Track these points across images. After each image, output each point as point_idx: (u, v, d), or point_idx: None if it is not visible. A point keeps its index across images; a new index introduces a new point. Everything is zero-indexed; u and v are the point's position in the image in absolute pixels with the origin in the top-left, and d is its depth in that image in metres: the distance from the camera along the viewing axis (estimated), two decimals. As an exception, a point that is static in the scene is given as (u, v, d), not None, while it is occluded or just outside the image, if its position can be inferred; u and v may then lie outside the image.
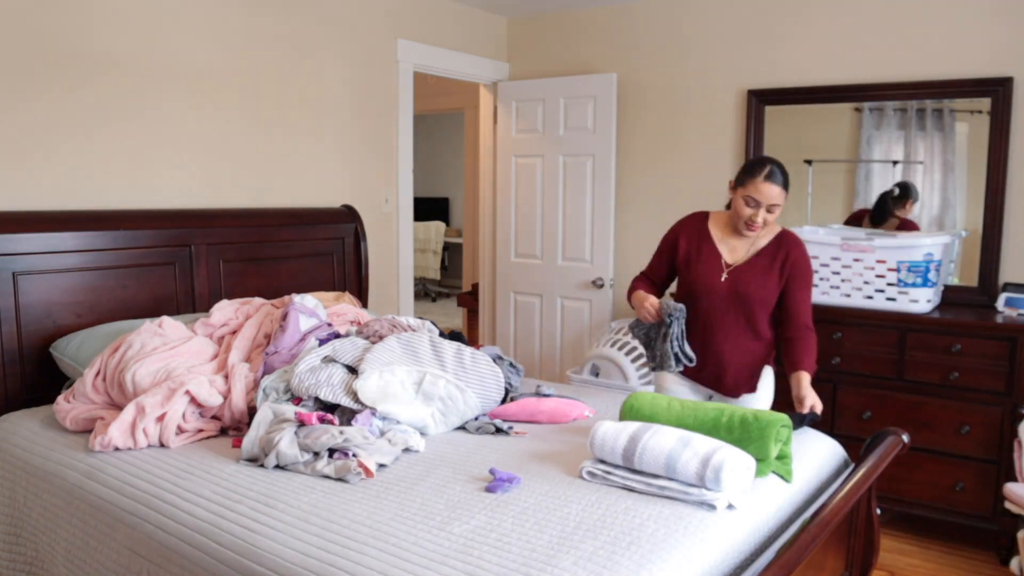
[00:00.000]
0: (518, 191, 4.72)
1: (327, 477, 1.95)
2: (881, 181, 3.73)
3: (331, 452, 2.01)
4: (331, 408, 2.31)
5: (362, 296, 3.76)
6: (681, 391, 2.68)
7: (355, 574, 1.52)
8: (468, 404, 2.37)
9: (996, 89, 3.38)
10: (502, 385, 2.52)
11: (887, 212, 3.69)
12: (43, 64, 2.68)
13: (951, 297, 3.51)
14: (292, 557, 1.60)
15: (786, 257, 2.50)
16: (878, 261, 3.29)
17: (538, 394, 2.63)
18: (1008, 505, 2.72)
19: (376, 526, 1.68)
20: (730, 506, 1.79)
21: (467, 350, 2.54)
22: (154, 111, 3.01)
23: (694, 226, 2.66)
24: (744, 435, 1.95)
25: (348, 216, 3.70)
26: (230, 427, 2.36)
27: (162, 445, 2.20)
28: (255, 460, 2.07)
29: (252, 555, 1.64)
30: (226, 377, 2.42)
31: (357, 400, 2.26)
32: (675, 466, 1.80)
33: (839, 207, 3.87)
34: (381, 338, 2.58)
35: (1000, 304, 3.30)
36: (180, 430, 2.24)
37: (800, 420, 2.29)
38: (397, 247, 4.18)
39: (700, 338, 2.59)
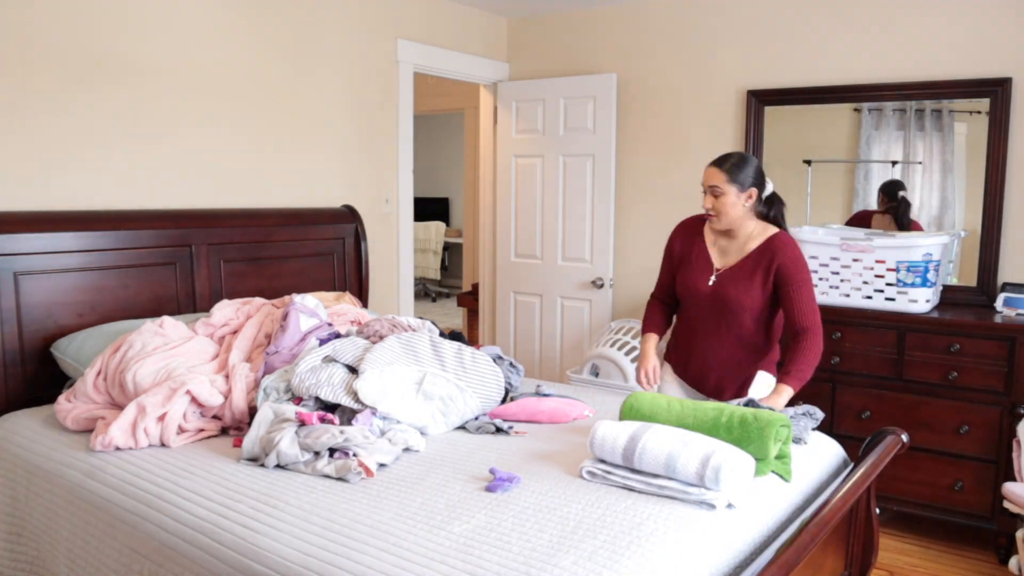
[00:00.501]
0: (518, 191, 4.72)
1: (328, 476, 1.96)
2: (880, 181, 3.74)
3: (331, 452, 2.01)
4: (331, 408, 2.31)
5: (362, 296, 3.76)
6: (671, 390, 2.70)
7: (355, 573, 1.53)
8: (468, 404, 2.38)
9: (995, 89, 3.39)
10: (502, 385, 2.53)
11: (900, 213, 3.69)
12: (43, 67, 2.68)
13: (950, 297, 3.51)
14: (293, 556, 1.61)
15: (771, 260, 2.46)
16: (877, 261, 3.29)
17: (538, 394, 2.64)
18: (1007, 505, 2.72)
19: (376, 525, 1.69)
20: (730, 505, 1.79)
21: (467, 350, 2.55)
22: (155, 111, 3.02)
23: (689, 228, 2.68)
24: (744, 435, 1.95)
25: (348, 216, 3.71)
26: (231, 427, 2.36)
27: (163, 445, 2.20)
28: (256, 460, 2.08)
29: (253, 554, 1.65)
30: (227, 377, 2.43)
31: (357, 400, 2.26)
32: (675, 466, 1.80)
33: (838, 207, 3.88)
34: (381, 338, 2.58)
35: (999, 304, 3.30)
36: (181, 430, 2.25)
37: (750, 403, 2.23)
38: (397, 247, 4.19)
39: (686, 338, 2.62)
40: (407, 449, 2.14)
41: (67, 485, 2.08)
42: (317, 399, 2.32)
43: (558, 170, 4.55)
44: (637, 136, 4.39)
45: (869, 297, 3.34)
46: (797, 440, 2.23)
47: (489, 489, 1.86)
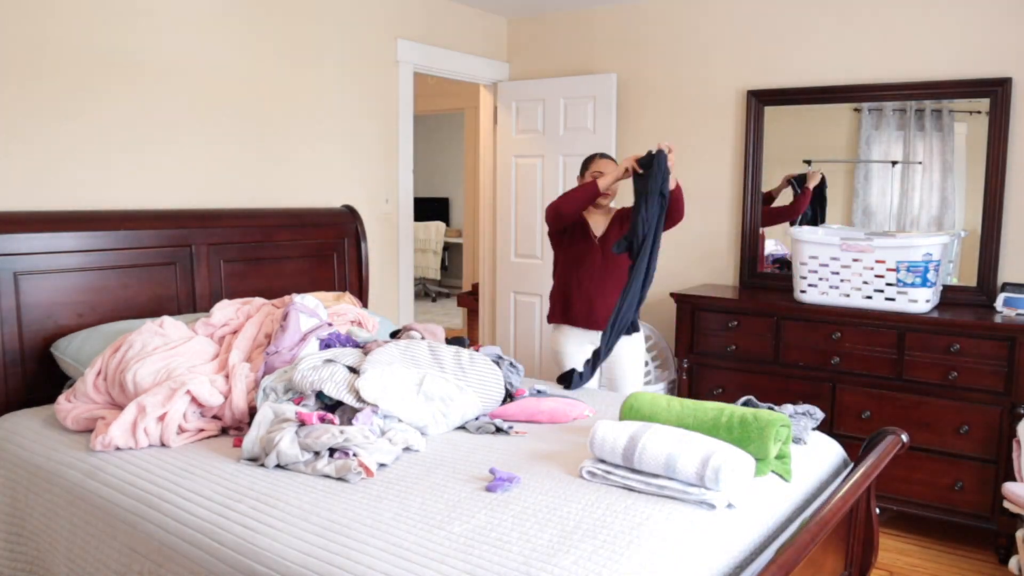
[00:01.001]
0: (518, 191, 4.72)
1: (328, 476, 1.96)
2: (880, 181, 3.74)
3: (331, 451, 2.01)
4: (332, 408, 2.31)
5: (362, 296, 3.76)
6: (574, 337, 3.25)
7: (355, 573, 1.53)
8: (468, 404, 2.38)
9: (995, 90, 3.39)
10: (502, 385, 2.53)
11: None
12: (44, 66, 2.69)
13: (950, 297, 3.51)
14: (293, 556, 1.61)
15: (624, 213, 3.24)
16: (877, 261, 3.29)
17: (538, 394, 2.64)
18: (1007, 505, 2.72)
19: (376, 525, 1.69)
20: (729, 505, 1.79)
21: (465, 352, 2.55)
22: (155, 112, 3.02)
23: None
24: (744, 435, 1.96)
25: (348, 216, 3.71)
26: (231, 427, 2.36)
27: (163, 445, 2.20)
28: (256, 460, 2.08)
29: (253, 554, 1.65)
30: (227, 377, 2.43)
31: (359, 398, 2.26)
32: (675, 465, 1.80)
33: (838, 207, 3.88)
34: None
35: (999, 304, 3.31)
36: (181, 430, 2.25)
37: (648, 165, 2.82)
38: (397, 247, 4.19)
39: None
40: (407, 449, 2.15)
41: (67, 485, 2.08)
42: (317, 399, 2.32)
43: (558, 170, 4.55)
44: (637, 136, 4.39)
45: (869, 297, 3.34)
46: (797, 440, 2.24)
47: (489, 489, 1.86)
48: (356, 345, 2.67)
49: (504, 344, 4.85)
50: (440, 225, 10.17)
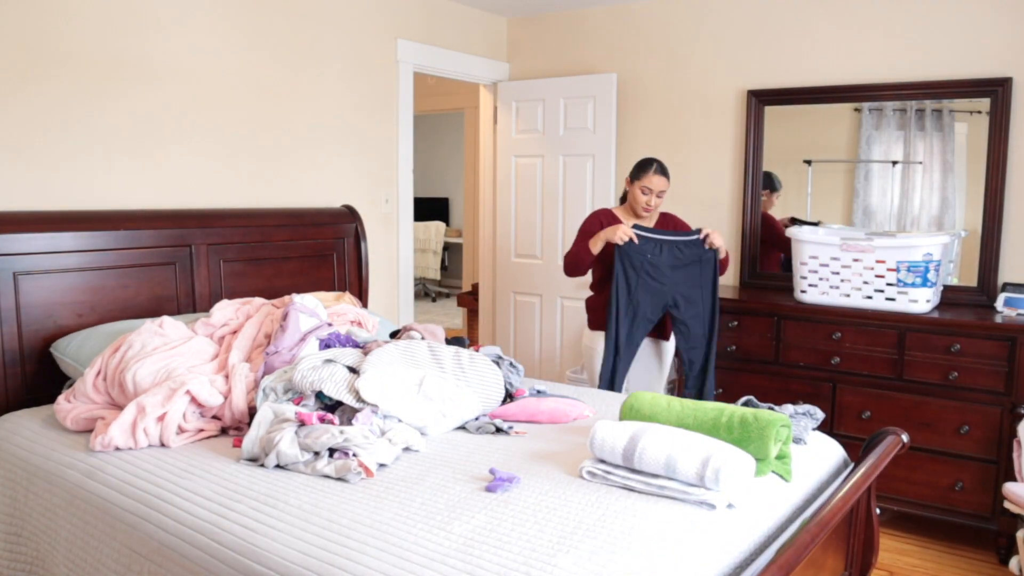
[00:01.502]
0: (518, 191, 4.72)
1: (327, 477, 1.96)
2: (880, 181, 3.74)
3: (331, 452, 2.01)
4: (331, 408, 2.31)
5: (362, 296, 3.76)
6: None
7: (355, 573, 1.53)
8: (468, 404, 2.38)
9: (995, 89, 3.39)
10: (502, 385, 2.53)
11: None
12: (44, 65, 2.68)
13: (950, 297, 3.51)
14: (292, 556, 1.61)
15: (675, 225, 3.34)
16: (877, 261, 3.29)
17: (538, 394, 2.64)
18: (1007, 505, 2.72)
19: (376, 526, 1.69)
20: (730, 506, 1.79)
21: (464, 352, 2.55)
22: (155, 113, 3.02)
23: (608, 217, 3.28)
24: (744, 435, 1.95)
25: (348, 216, 3.71)
26: (230, 427, 2.36)
27: (163, 445, 2.20)
28: (255, 460, 2.08)
29: (252, 554, 1.65)
30: (226, 377, 2.42)
31: (359, 398, 2.26)
32: (675, 466, 1.80)
33: (838, 207, 3.88)
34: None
35: (999, 304, 3.30)
36: (180, 430, 2.25)
37: None
38: (397, 247, 4.18)
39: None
40: (407, 449, 2.14)
41: (67, 485, 2.08)
42: (317, 399, 2.32)
43: (558, 170, 4.55)
44: (637, 136, 4.39)
45: (869, 297, 3.34)
46: (797, 440, 2.24)
47: (489, 489, 1.86)
48: (356, 345, 2.67)
49: (504, 344, 4.84)
50: (440, 225, 10.17)
